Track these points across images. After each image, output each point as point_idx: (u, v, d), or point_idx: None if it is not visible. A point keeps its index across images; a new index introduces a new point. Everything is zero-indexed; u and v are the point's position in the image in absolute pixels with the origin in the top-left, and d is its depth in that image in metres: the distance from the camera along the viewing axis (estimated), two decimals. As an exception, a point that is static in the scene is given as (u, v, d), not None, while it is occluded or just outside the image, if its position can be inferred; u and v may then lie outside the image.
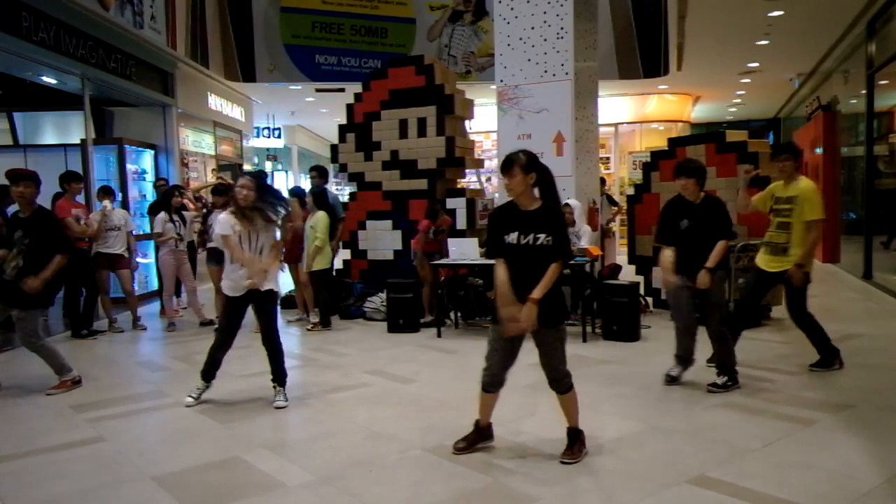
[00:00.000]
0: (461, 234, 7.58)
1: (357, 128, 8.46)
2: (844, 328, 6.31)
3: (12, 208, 7.73)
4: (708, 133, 11.42)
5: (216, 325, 4.97)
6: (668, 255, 4.60)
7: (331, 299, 7.53)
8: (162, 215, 7.51)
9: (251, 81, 12.23)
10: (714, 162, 7.39)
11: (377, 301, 7.87)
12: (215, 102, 12.48)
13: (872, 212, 9.49)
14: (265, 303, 4.61)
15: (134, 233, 7.81)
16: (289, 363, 5.99)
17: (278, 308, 4.83)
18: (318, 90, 13.25)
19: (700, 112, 18.00)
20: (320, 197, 7.35)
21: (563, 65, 7.24)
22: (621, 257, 9.22)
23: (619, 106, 15.18)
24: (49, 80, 8.58)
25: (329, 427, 4.16)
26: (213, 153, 12.42)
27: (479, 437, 3.64)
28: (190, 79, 11.12)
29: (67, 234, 6.98)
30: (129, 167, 9.71)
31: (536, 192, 3.44)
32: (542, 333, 3.40)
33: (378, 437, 3.94)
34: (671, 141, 8.23)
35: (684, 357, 4.76)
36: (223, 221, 4.52)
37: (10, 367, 6.04)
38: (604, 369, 5.13)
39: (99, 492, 3.30)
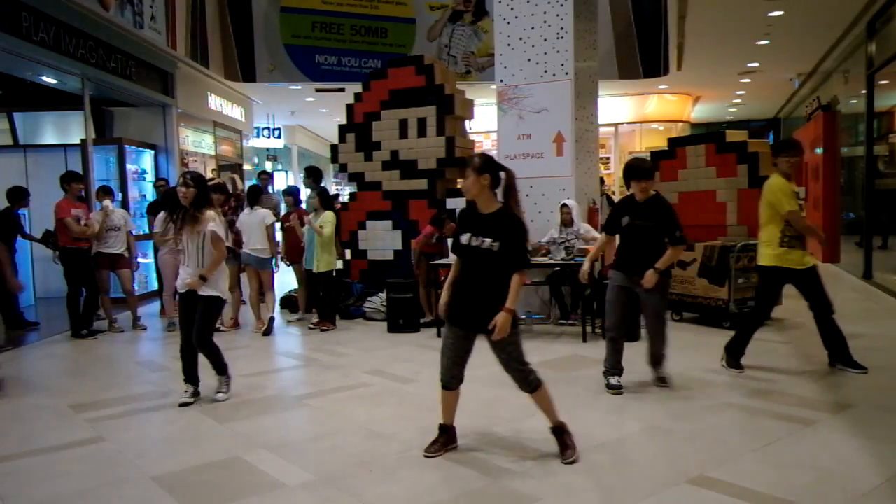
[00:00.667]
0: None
1: (357, 128, 8.46)
2: (844, 328, 6.29)
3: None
4: (708, 133, 11.43)
5: (216, 326, 4.97)
6: (599, 242, 4.92)
7: (332, 299, 7.53)
8: (162, 215, 7.51)
9: (251, 81, 12.23)
10: (714, 162, 7.40)
11: (377, 301, 7.88)
12: (215, 102, 12.48)
13: (872, 212, 9.48)
14: (201, 307, 4.57)
15: (134, 233, 7.82)
16: (289, 363, 6.04)
17: (214, 316, 4.75)
18: (318, 90, 13.26)
19: (700, 112, 18.01)
20: (326, 196, 7.36)
21: (563, 65, 7.24)
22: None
23: (619, 106, 15.19)
24: (49, 80, 8.59)
25: (329, 427, 4.16)
26: (213, 153, 12.43)
27: (447, 439, 3.63)
28: (190, 79, 11.12)
29: (67, 233, 7.02)
30: (129, 167, 9.71)
31: (499, 194, 3.46)
32: (493, 340, 3.41)
33: (378, 437, 3.94)
34: (671, 141, 8.23)
35: (615, 367, 4.71)
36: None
37: (10, 367, 6.03)
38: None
39: (99, 492, 3.30)
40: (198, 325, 4.57)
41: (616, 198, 14.16)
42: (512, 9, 7.43)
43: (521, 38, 7.41)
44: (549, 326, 7.11)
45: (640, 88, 14.34)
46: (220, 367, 4.72)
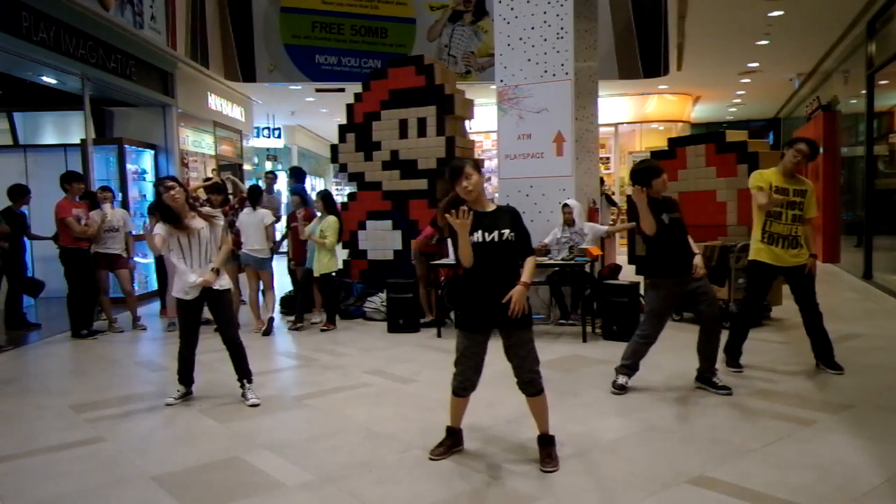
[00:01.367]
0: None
1: (357, 128, 8.46)
2: (844, 328, 6.32)
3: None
4: (708, 133, 11.42)
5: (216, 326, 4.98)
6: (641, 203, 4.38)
7: (330, 300, 7.54)
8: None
9: (251, 81, 12.22)
10: (714, 162, 7.40)
11: (377, 301, 7.88)
12: (215, 102, 12.48)
13: (872, 212, 9.48)
14: (219, 302, 4.61)
15: (133, 233, 7.82)
16: (289, 363, 6.04)
17: (232, 307, 4.85)
18: (318, 90, 13.25)
19: (700, 112, 18.01)
20: (329, 200, 7.35)
21: (563, 65, 7.24)
22: (621, 257, 9.23)
23: (619, 106, 15.19)
24: (49, 80, 8.58)
25: (329, 427, 4.16)
26: (213, 153, 12.43)
27: (454, 442, 3.63)
28: (190, 79, 11.12)
29: (68, 233, 7.02)
30: (129, 167, 9.71)
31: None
32: (517, 335, 3.42)
33: (378, 437, 3.94)
34: (671, 141, 8.23)
35: (633, 367, 4.69)
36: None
37: (11, 367, 6.04)
38: (604, 369, 5.13)
39: (99, 492, 3.30)
40: (229, 322, 4.65)
41: (616, 198, 14.19)
42: (512, 9, 7.43)
43: (521, 38, 7.41)
44: (549, 326, 7.11)
45: (640, 88, 14.34)
46: (245, 372, 4.71)
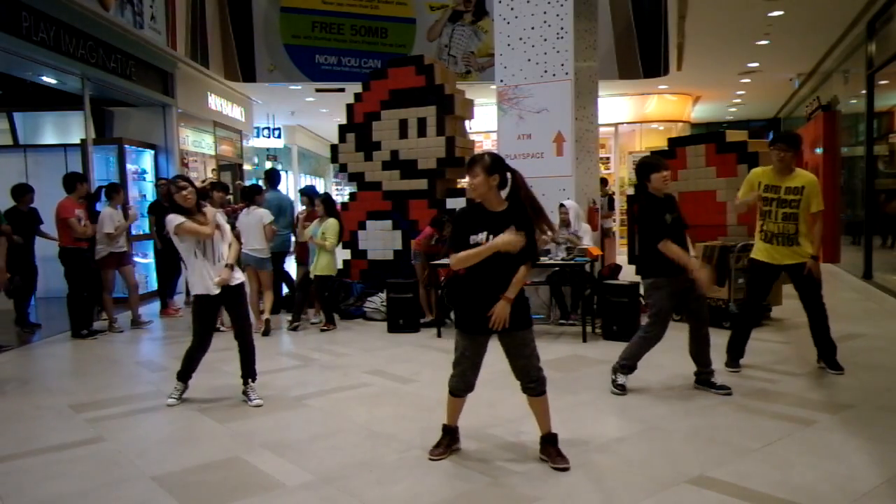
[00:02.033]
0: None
1: (357, 128, 8.46)
2: (844, 328, 6.31)
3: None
4: (708, 133, 11.42)
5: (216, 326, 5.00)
6: (673, 247, 4.36)
7: (329, 301, 7.55)
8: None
9: (251, 81, 12.23)
10: (714, 162, 7.40)
11: (377, 301, 7.88)
12: (215, 102, 12.48)
13: (872, 212, 9.48)
14: (237, 297, 4.64)
15: (133, 232, 7.83)
16: (289, 363, 6.04)
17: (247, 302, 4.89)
18: (318, 90, 13.26)
19: (700, 112, 18.00)
20: (330, 202, 7.36)
21: (563, 65, 7.24)
22: (621, 257, 9.23)
23: (619, 106, 15.18)
24: (49, 80, 8.58)
25: (329, 427, 4.16)
26: (213, 153, 12.43)
27: (451, 440, 3.63)
28: (190, 79, 11.12)
29: (69, 233, 7.02)
30: (129, 167, 9.71)
31: (503, 194, 3.46)
32: (518, 336, 3.40)
33: (378, 437, 3.94)
34: (671, 141, 8.23)
35: (631, 365, 4.68)
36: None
37: (11, 367, 6.04)
38: (604, 369, 5.13)
39: (99, 492, 3.30)
40: (245, 318, 4.68)
41: (616, 198, 14.18)
42: (512, 9, 7.43)
43: (521, 38, 7.41)
44: (549, 326, 7.11)
45: (640, 88, 14.33)
46: (252, 369, 4.72)
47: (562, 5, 7.20)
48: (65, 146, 9.70)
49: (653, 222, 4.43)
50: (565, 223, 6.85)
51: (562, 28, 7.21)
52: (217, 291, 4.55)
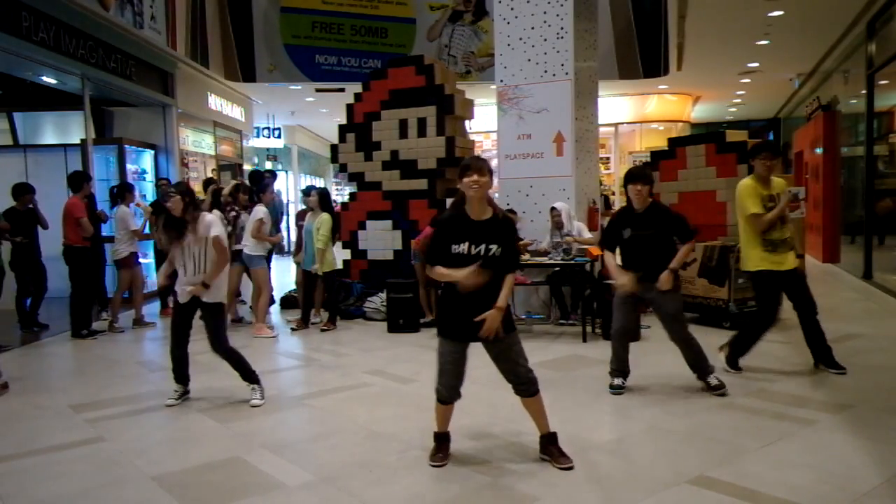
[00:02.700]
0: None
1: (357, 128, 8.46)
2: (844, 328, 6.31)
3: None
4: (708, 133, 11.43)
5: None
6: (609, 257, 4.63)
7: (331, 299, 7.55)
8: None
9: (251, 81, 12.23)
10: (714, 162, 7.40)
11: (377, 301, 7.88)
12: (215, 102, 12.48)
13: (872, 212, 9.48)
14: (207, 315, 4.58)
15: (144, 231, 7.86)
16: (289, 363, 6.04)
17: (222, 320, 4.77)
18: (318, 90, 13.25)
19: (700, 112, 18.00)
20: (325, 198, 7.36)
21: (563, 65, 7.25)
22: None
23: (619, 106, 15.19)
24: (49, 80, 8.58)
25: (329, 427, 4.16)
26: (213, 153, 12.43)
27: (447, 445, 3.60)
28: (190, 79, 11.12)
29: (78, 232, 7.02)
30: (129, 167, 9.71)
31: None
32: (503, 340, 3.36)
33: (378, 437, 3.94)
34: (671, 141, 8.24)
35: (621, 370, 4.70)
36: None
37: (11, 367, 6.04)
38: (604, 369, 5.12)
39: (99, 492, 3.30)
40: (212, 335, 4.58)
41: (615, 199, 14.19)
42: (512, 9, 7.43)
43: (521, 38, 7.41)
44: (549, 326, 7.11)
45: (640, 88, 14.33)
46: (249, 375, 4.69)
47: (562, 5, 7.20)
48: (65, 146, 9.70)
49: (604, 232, 4.78)
50: (558, 226, 6.85)
51: (562, 28, 7.22)
52: (183, 300, 4.54)
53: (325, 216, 7.15)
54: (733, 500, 2.99)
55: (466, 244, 3.28)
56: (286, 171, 19.88)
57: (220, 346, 4.60)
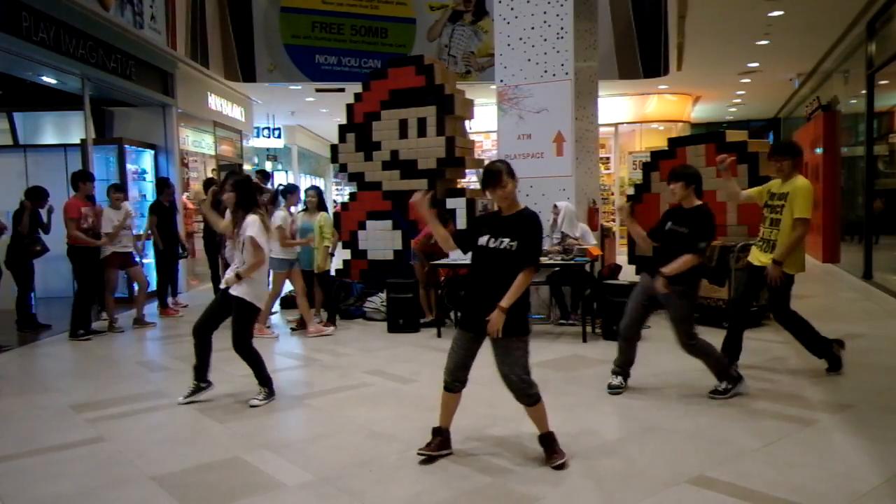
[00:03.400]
0: (461, 234, 7.58)
1: (357, 128, 8.46)
2: (844, 328, 6.31)
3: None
4: (708, 133, 11.42)
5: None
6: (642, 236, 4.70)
7: (329, 299, 7.56)
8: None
9: (251, 81, 12.22)
10: (714, 162, 7.37)
11: (377, 301, 7.88)
12: (215, 102, 12.48)
13: (872, 212, 9.49)
14: (234, 310, 4.61)
15: (133, 232, 7.83)
16: (289, 363, 6.04)
17: (248, 321, 4.73)
18: (318, 90, 13.25)
19: (700, 112, 18.00)
20: (322, 196, 7.37)
21: (563, 65, 7.25)
22: (621, 257, 9.23)
23: (619, 106, 15.18)
24: (49, 80, 8.58)
25: (329, 427, 4.16)
26: (213, 153, 12.43)
27: (442, 443, 3.57)
28: (190, 79, 11.12)
29: (76, 233, 7.01)
30: (129, 167, 9.71)
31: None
32: (502, 342, 3.37)
33: (378, 437, 3.94)
34: (671, 141, 8.23)
35: (623, 368, 4.67)
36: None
37: (11, 367, 6.04)
38: (604, 369, 5.13)
39: (99, 492, 3.30)
40: (235, 331, 4.62)
41: (616, 198, 14.19)
42: (512, 9, 7.43)
43: (521, 38, 7.41)
44: (549, 326, 7.11)
45: (640, 88, 14.33)
46: (263, 379, 4.72)
47: (562, 5, 7.20)
48: (65, 146, 9.70)
49: (656, 225, 4.73)
50: (555, 223, 6.86)
51: (562, 28, 7.22)
52: (223, 285, 4.68)
53: (326, 214, 7.16)
54: (733, 500, 2.99)
55: (487, 237, 3.40)
56: (286, 171, 19.89)
57: (240, 345, 4.64)
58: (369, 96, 8.43)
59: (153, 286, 9.54)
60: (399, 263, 8.09)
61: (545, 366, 5.37)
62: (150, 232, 8.29)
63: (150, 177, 10.23)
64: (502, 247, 3.35)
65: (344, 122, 8.67)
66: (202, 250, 9.44)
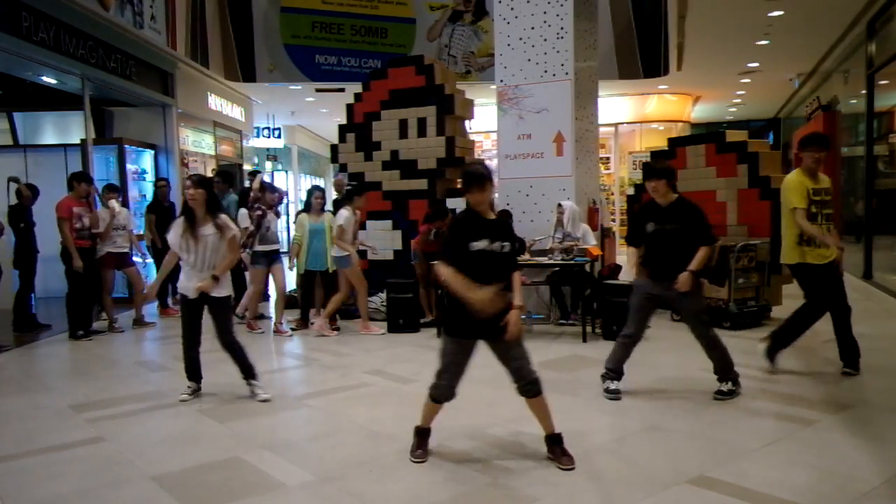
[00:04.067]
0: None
1: (357, 128, 8.46)
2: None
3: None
4: (708, 133, 11.42)
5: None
6: (632, 254, 4.65)
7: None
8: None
9: (251, 81, 12.23)
10: (714, 162, 7.40)
11: (377, 301, 7.88)
12: (215, 102, 12.48)
13: (872, 212, 9.48)
14: (218, 309, 4.65)
15: (134, 232, 7.83)
16: (289, 363, 6.04)
17: (231, 313, 4.90)
18: (318, 90, 13.26)
19: (700, 112, 18.00)
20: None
21: (563, 65, 7.25)
22: (621, 257, 9.22)
23: (619, 106, 15.19)
24: (49, 80, 8.59)
25: (329, 427, 4.16)
26: (213, 153, 12.43)
27: (426, 440, 3.63)
28: (190, 79, 11.12)
29: (67, 233, 7.01)
30: (129, 167, 9.72)
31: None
32: (509, 341, 3.38)
33: (378, 437, 3.94)
34: (671, 141, 8.23)
35: (617, 371, 4.61)
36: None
37: (11, 367, 6.04)
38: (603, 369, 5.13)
39: (99, 492, 3.30)
40: (221, 328, 4.65)
41: (616, 198, 14.19)
42: (512, 9, 7.43)
43: (521, 38, 7.41)
44: (549, 326, 7.11)
45: (640, 88, 14.34)
46: (248, 370, 4.75)
47: (562, 5, 7.20)
48: (65, 146, 9.71)
49: (629, 227, 4.72)
50: (560, 223, 6.86)
51: (562, 28, 7.22)
52: (193, 296, 4.57)
53: (331, 215, 7.18)
54: (733, 500, 2.99)
55: (486, 241, 3.35)
56: (286, 171, 19.88)
57: (228, 341, 4.68)
58: (369, 96, 8.42)
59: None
60: (399, 263, 8.08)
61: (545, 366, 5.36)
62: (149, 232, 8.30)
63: (150, 177, 10.23)
64: (504, 250, 3.38)
65: (344, 122, 8.67)
66: None
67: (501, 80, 7.58)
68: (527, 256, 6.79)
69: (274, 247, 7.12)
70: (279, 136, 18.57)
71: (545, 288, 7.27)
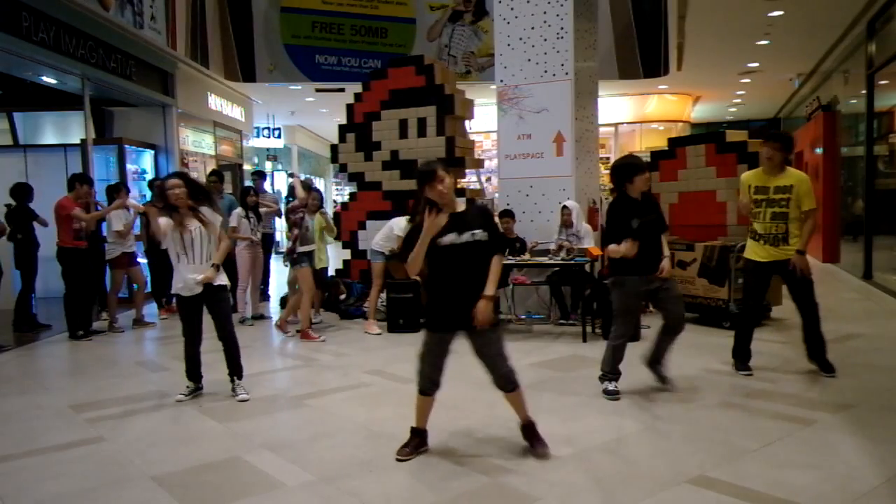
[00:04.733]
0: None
1: (357, 128, 8.46)
2: (844, 328, 6.32)
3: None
4: (708, 133, 11.43)
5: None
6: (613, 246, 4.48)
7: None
8: (238, 211, 7.53)
9: (251, 81, 12.23)
10: (714, 162, 7.40)
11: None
12: (215, 102, 12.48)
13: (872, 212, 9.48)
14: (218, 298, 4.67)
15: (135, 232, 7.83)
16: (288, 363, 6.04)
17: (230, 303, 4.93)
18: (318, 90, 13.26)
19: (700, 112, 18.01)
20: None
21: (563, 65, 7.25)
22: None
23: (619, 106, 15.20)
24: (49, 80, 8.58)
25: (329, 427, 4.16)
26: (213, 153, 12.43)
27: (420, 442, 3.62)
28: (190, 79, 11.12)
29: (68, 232, 7.00)
30: (129, 167, 9.71)
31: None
32: (485, 336, 3.41)
33: (378, 437, 3.94)
34: (671, 141, 8.23)
35: (614, 372, 4.60)
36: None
37: (11, 367, 6.04)
38: (604, 369, 5.13)
39: (99, 492, 3.30)
40: (221, 320, 4.68)
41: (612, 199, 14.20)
42: (512, 9, 7.43)
43: (521, 38, 7.41)
44: (549, 326, 7.11)
45: (640, 88, 14.34)
46: (237, 368, 4.78)
47: (562, 5, 7.20)
48: (65, 146, 9.69)
49: (612, 226, 4.51)
50: (566, 224, 6.86)
51: (562, 28, 7.22)
52: (198, 290, 4.58)
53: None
54: (733, 500, 2.99)
55: (454, 234, 3.37)
56: (286, 172, 19.89)
57: (227, 330, 4.71)
58: (369, 96, 8.42)
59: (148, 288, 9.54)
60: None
61: (545, 366, 5.36)
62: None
63: (150, 177, 10.22)
64: (475, 239, 3.37)
65: (344, 122, 8.67)
66: None
67: (501, 80, 7.58)
68: (527, 256, 6.79)
69: (312, 247, 7.11)
70: (279, 136, 18.57)
71: (545, 288, 7.27)
